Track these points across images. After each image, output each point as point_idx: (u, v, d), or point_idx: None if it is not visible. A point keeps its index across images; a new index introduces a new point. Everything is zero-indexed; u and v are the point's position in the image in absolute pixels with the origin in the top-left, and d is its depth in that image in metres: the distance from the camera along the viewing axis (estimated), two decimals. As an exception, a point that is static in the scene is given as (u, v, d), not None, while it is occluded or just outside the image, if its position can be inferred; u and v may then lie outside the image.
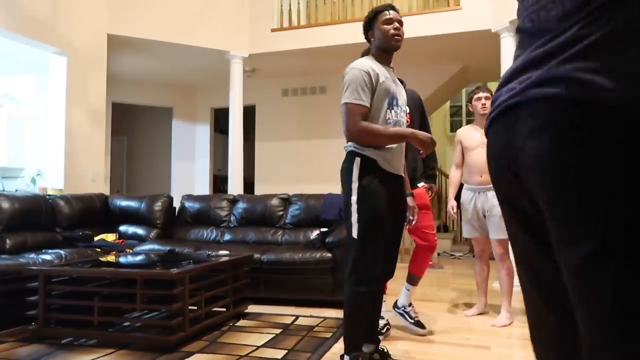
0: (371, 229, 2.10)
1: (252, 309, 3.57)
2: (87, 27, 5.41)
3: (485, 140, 0.89)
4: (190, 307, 2.79)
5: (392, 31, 2.20)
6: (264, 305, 3.74)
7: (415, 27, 5.53)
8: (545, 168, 0.68)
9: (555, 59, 0.68)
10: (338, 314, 3.42)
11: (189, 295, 2.75)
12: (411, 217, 2.42)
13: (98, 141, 5.56)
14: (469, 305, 3.73)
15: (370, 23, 2.26)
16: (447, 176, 8.11)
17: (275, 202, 4.62)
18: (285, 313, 3.50)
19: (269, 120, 7.76)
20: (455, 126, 11.27)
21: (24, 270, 3.03)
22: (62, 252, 3.61)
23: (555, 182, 0.67)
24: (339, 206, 4.08)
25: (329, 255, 3.76)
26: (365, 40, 2.33)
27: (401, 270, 3.58)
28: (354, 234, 2.10)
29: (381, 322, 2.84)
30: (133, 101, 7.92)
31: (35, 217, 3.95)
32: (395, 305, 3.12)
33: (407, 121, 2.91)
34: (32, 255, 3.46)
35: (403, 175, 2.31)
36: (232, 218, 4.69)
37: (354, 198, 2.11)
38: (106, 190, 6.43)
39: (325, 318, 3.34)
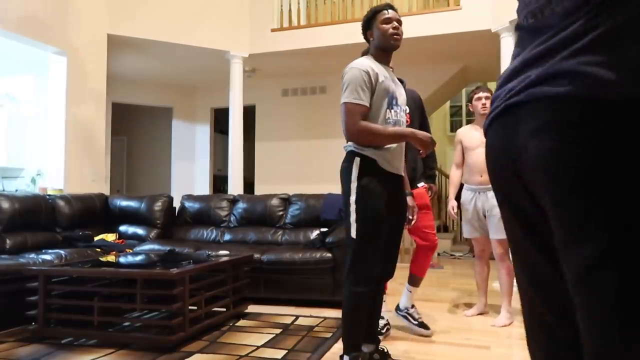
0: (370, 229, 2.10)
1: (252, 309, 3.57)
2: (87, 27, 5.41)
3: (485, 140, 0.88)
4: (190, 307, 2.79)
5: (391, 30, 2.20)
6: (264, 305, 3.74)
7: (415, 27, 5.53)
8: (547, 168, 0.67)
9: (559, 55, 0.67)
10: (338, 314, 3.42)
11: (189, 295, 2.75)
12: (411, 217, 2.42)
13: (98, 141, 5.56)
14: (469, 305, 3.73)
15: (369, 23, 2.26)
16: (447, 176, 8.11)
17: (275, 202, 4.62)
18: (285, 313, 3.50)
19: (269, 120, 7.76)
20: (455, 126, 11.27)
21: (24, 270, 3.03)
22: (62, 252, 3.61)
23: (558, 183, 0.66)
24: (339, 206, 4.08)
25: (329, 255, 3.76)
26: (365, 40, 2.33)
27: (401, 270, 3.58)
28: (353, 233, 2.10)
29: (381, 322, 2.84)
30: (133, 101, 7.92)
31: (35, 217, 3.95)
32: (397, 308, 3.10)
33: (407, 121, 2.91)
34: (32, 255, 3.46)
35: (403, 175, 2.31)
36: (232, 218, 4.69)
37: (352, 198, 2.11)
38: (106, 190, 6.43)
39: (325, 318, 3.34)
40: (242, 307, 3.43)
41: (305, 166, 7.43)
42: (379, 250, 2.14)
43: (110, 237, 4.37)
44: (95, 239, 4.24)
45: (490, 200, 3.32)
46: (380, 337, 2.61)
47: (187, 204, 4.85)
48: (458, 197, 3.55)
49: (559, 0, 0.69)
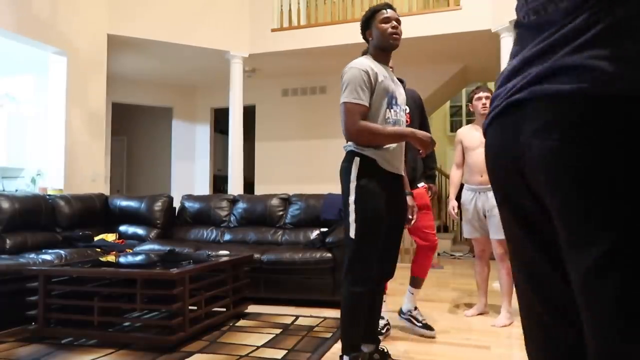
0: (369, 229, 2.09)
1: (252, 309, 3.57)
2: (87, 27, 5.41)
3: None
4: (190, 307, 2.79)
5: (390, 30, 2.19)
6: (264, 305, 3.74)
7: (415, 27, 5.53)
8: (551, 168, 0.67)
9: (562, 50, 0.67)
10: (338, 314, 3.40)
11: (189, 295, 2.75)
12: (411, 217, 2.41)
13: (98, 141, 5.56)
14: (469, 306, 3.73)
15: (367, 22, 2.26)
16: (447, 176, 8.11)
17: (275, 202, 4.62)
18: (285, 313, 3.50)
19: (269, 120, 7.76)
20: (455, 126, 11.27)
21: (24, 270, 3.03)
22: (62, 252, 3.61)
23: (562, 183, 0.65)
24: (339, 206, 4.08)
25: (329, 255, 3.76)
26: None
27: (401, 270, 3.57)
28: (352, 233, 2.10)
29: (381, 322, 2.84)
30: (133, 101, 7.92)
31: (35, 217, 3.95)
32: (400, 312, 3.08)
33: (407, 121, 2.91)
34: (32, 255, 3.46)
35: (403, 174, 2.30)
36: (232, 218, 4.69)
37: (352, 198, 2.11)
38: (106, 190, 6.43)
39: (325, 318, 3.34)
40: (242, 307, 3.43)
41: (305, 166, 7.43)
42: (377, 251, 2.14)
43: (110, 237, 4.37)
44: (95, 239, 4.24)
45: (490, 200, 3.32)
46: (380, 337, 2.61)
47: (187, 204, 4.85)
48: (458, 197, 3.55)
49: None
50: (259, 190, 7.62)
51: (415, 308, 3.03)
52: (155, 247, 4.07)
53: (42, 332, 2.82)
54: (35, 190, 5.09)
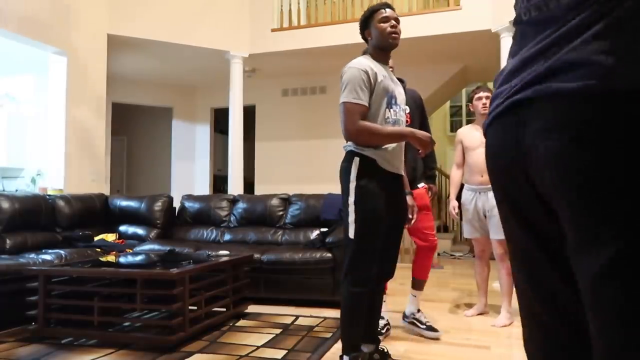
0: (368, 229, 2.09)
1: (252, 309, 3.57)
2: (87, 27, 5.41)
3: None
4: (190, 307, 2.79)
5: (389, 29, 2.19)
6: (264, 305, 3.74)
7: (415, 27, 5.53)
8: (560, 169, 0.65)
9: (566, 46, 0.65)
10: (338, 314, 3.40)
11: (189, 295, 2.75)
12: (411, 216, 2.41)
13: (98, 141, 5.56)
14: (469, 306, 3.73)
15: (366, 22, 2.25)
16: (447, 176, 8.11)
17: (275, 202, 4.62)
18: (285, 313, 3.50)
19: (269, 120, 7.76)
20: (455, 126, 11.27)
21: (24, 270, 3.03)
22: (62, 252, 3.61)
23: (572, 184, 0.64)
24: (339, 206, 4.08)
25: (329, 255, 3.76)
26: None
27: (401, 270, 3.58)
28: (351, 234, 2.10)
29: (381, 322, 2.84)
30: (133, 101, 7.92)
31: (35, 217, 3.95)
32: (404, 316, 3.06)
33: (407, 121, 2.90)
34: (32, 255, 3.46)
35: (402, 174, 2.30)
36: (232, 218, 4.69)
37: (351, 199, 2.10)
38: (106, 190, 6.43)
39: (325, 318, 3.34)
40: (242, 307, 3.43)
41: (305, 166, 7.43)
42: (377, 251, 2.14)
43: (110, 237, 4.37)
44: (95, 239, 4.24)
45: (490, 200, 3.32)
46: (380, 337, 2.61)
47: (187, 204, 4.85)
48: (459, 197, 3.55)
49: None
50: (259, 190, 7.62)
51: (419, 310, 3.02)
52: (155, 247, 4.07)
53: (42, 332, 2.82)
54: (35, 190, 5.09)
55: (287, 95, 7.70)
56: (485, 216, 3.36)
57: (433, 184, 3.18)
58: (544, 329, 0.79)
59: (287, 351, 2.61)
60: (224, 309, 3.24)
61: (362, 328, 2.19)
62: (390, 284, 3.19)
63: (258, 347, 2.69)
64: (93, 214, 4.53)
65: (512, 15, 0.84)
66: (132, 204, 4.72)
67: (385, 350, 2.39)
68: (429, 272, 3.09)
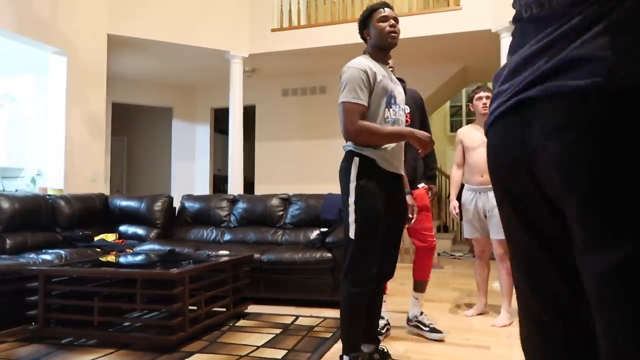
0: (368, 229, 2.09)
1: (252, 309, 3.57)
2: (87, 27, 5.41)
3: (486, 140, 0.85)
4: (190, 307, 2.79)
5: (388, 28, 2.18)
6: (264, 305, 3.74)
7: (415, 27, 5.53)
8: (571, 169, 0.64)
9: (573, 42, 0.64)
10: (338, 314, 3.40)
11: (189, 295, 2.75)
12: (411, 216, 2.40)
13: (98, 141, 5.56)
14: (469, 306, 3.73)
15: (365, 21, 2.25)
16: (447, 176, 8.11)
17: (275, 202, 4.62)
18: (285, 313, 3.50)
19: (269, 120, 7.76)
20: (455, 126, 11.27)
21: (24, 270, 3.03)
22: (62, 252, 3.61)
23: (583, 184, 0.63)
24: (339, 206, 4.08)
25: (329, 255, 3.76)
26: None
27: (401, 270, 3.58)
28: (351, 234, 2.10)
29: (381, 322, 2.84)
30: (133, 101, 7.92)
31: (35, 217, 3.95)
32: (408, 320, 3.05)
33: (407, 121, 2.90)
34: (32, 255, 3.46)
35: (402, 174, 2.30)
36: (232, 218, 4.69)
37: (352, 199, 2.10)
38: (106, 190, 6.43)
39: (325, 318, 3.34)
40: (242, 307, 3.43)
41: (305, 166, 7.43)
42: (377, 251, 2.14)
43: (110, 237, 4.37)
44: (95, 239, 4.24)
45: (491, 200, 3.32)
46: (380, 337, 2.61)
47: (187, 204, 4.85)
48: (459, 197, 3.55)
49: None
50: (259, 190, 7.62)
51: (422, 313, 3.00)
52: (155, 247, 4.07)
53: (42, 332, 2.82)
54: (35, 190, 5.09)
55: (287, 95, 7.70)
56: (485, 216, 3.36)
57: (433, 184, 3.18)
58: (543, 329, 0.79)
59: (287, 351, 2.61)
60: (224, 309, 3.24)
61: (362, 328, 2.19)
62: (390, 284, 3.19)
63: (258, 347, 2.69)
64: (93, 214, 4.53)
65: (512, 14, 0.83)
66: (132, 204, 4.72)
67: (385, 350, 2.39)
68: (429, 273, 3.07)
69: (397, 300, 3.91)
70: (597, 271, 0.63)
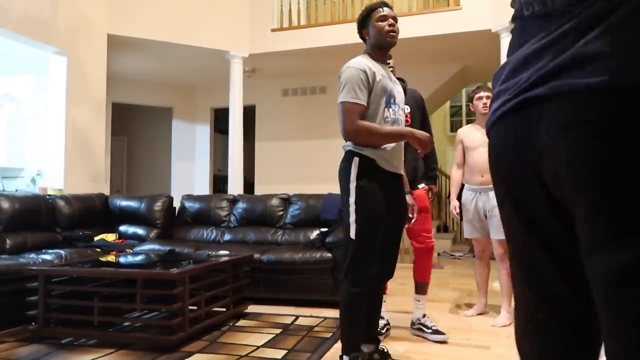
0: (369, 229, 2.09)
1: (252, 309, 3.57)
2: (87, 27, 5.41)
3: (486, 140, 0.84)
4: (190, 307, 2.79)
5: (387, 28, 2.18)
6: (264, 305, 3.74)
7: (415, 27, 5.53)
8: (582, 168, 0.63)
9: (581, 39, 0.63)
10: (338, 314, 3.41)
11: (189, 295, 2.75)
12: (411, 215, 2.40)
13: (98, 141, 5.56)
14: (469, 306, 3.73)
15: (364, 21, 2.25)
16: (447, 176, 8.11)
17: (275, 202, 4.62)
18: (285, 313, 3.50)
19: (269, 120, 7.76)
20: (455, 126, 11.27)
21: (24, 270, 3.03)
22: (62, 252, 3.61)
23: (595, 183, 0.62)
24: (339, 206, 4.08)
25: (329, 255, 3.76)
26: (365, 41, 2.32)
27: (401, 270, 3.58)
28: (352, 234, 2.09)
29: (381, 322, 2.84)
30: (133, 101, 7.92)
31: (35, 217, 3.95)
32: (411, 324, 3.03)
33: (408, 121, 2.90)
34: (32, 255, 3.46)
35: (402, 173, 2.30)
36: (232, 218, 4.69)
37: (352, 199, 2.10)
38: (106, 190, 6.43)
39: (325, 318, 3.34)
40: (242, 307, 3.43)
41: (305, 166, 7.43)
42: (377, 251, 2.14)
43: (110, 237, 4.37)
44: (95, 239, 4.24)
45: (491, 200, 3.31)
46: (380, 337, 2.61)
47: (187, 204, 4.85)
48: (459, 197, 3.55)
49: None
50: (259, 190, 7.62)
51: (424, 315, 2.99)
52: (155, 247, 4.07)
53: (42, 332, 2.82)
54: (35, 190, 5.09)
55: (287, 95, 7.70)
56: (485, 216, 3.36)
57: (434, 184, 3.17)
58: (540, 329, 0.79)
59: (287, 351, 2.61)
60: (224, 309, 3.24)
61: (362, 328, 2.19)
62: (390, 284, 3.19)
63: (258, 347, 2.69)
64: (93, 214, 4.53)
65: (512, 13, 0.82)
66: (132, 204, 4.72)
67: (385, 350, 2.39)
68: (430, 274, 3.06)
69: (397, 300, 3.91)
70: (604, 271, 0.62)
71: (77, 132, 5.26)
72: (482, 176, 3.37)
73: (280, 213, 4.57)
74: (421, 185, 3.01)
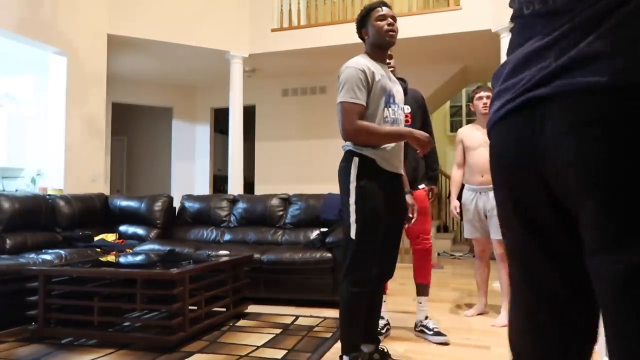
0: (369, 229, 2.09)
1: (252, 309, 3.57)
2: (87, 27, 5.41)
3: (487, 140, 0.83)
4: (190, 307, 2.79)
5: (386, 27, 2.17)
6: (264, 305, 3.74)
7: (415, 27, 5.53)
8: (589, 168, 0.62)
9: (586, 38, 0.62)
10: (338, 314, 3.41)
11: (189, 295, 2.75)
12: (411, 215, 2.40)
13: (98, 141, 5.56)
14: (470, 306, 3.73)
15: (363, 20, 2.24)
16: (447, 176, 8.11)
17: (275, 202, 4.62)
18: (285, 313, 3.50)
19: (269, 120, 7.76)
20: (455, 126, 11.26)
21: (24, 270, 3.03)
22: (62, 252, 3.61)
23: (602, 183, 0.61)
24: (339, 206, 4.08)
25: (329, 255, 3.76)
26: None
27: (401, 270, 3.58)
28: (352, 234, 2.09)
29: (381, 322, 2.84)
30: (133, 101, 7.92)
31: (35, 217, 3.95)
32: (415, 326, 3.02)
33: (408, 121, 2.90)
34: (32, 255, 3.46)
35: (402, 173, 2.30)
36: (232, 218, 4.69)
37: (352, 199, 2.10)
38: (106, 190, 6.43)
39: (325, 318, 3.34)
40: (242, 307, 3.43)
41: (305, 166, 7.43)
42: (377, 251, 2.14)
43: (110, 237, 4.37)
44: (95, 239, 4.24)
45: (491, 200, 3.31)
46: (380, 337, 2.61)
47: (187, 204, 4.85)
48: (460, 197, 3.55)
49: None
50: (259, 190, 7.62)
51: (426, 317, 2.98)
52: (155, 247, 4.07)
53: (42, 332, 2.82)
54: (35, 190, 5.09)
55: (287, 95, 7.70)
56: (486, 216, 3.36)
57: (435, 185, 3.16)
58: (541, 329, 0.79)
59: (287, 351, 2.61)
60: (224, 309, 3.24)
61: (362, 328, 2.19)
62: (390, 284, 3.19)
63: (258, 347, 2.69)
64: (93, 214, 4.53)
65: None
66: (132, 204, 4.72)
67: (385, 350, 2.39)
68: (430, 275, 3.06)
69: (397, 300, 3.91)
70: (610, 271, 0.62)
71: (77, 131, 5.26)
72: (482, 176, 3.37)
73: (280, 213, 4.57)
74: (421, 186, 3.00)
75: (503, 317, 3.23)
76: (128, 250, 4.07)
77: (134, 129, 9.32)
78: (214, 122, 8.43)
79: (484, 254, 3.49)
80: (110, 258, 3.39)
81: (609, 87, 0.59)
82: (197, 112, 8.33)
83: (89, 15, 5.43)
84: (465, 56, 6.42)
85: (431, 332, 2.88)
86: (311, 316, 3.40)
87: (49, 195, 4.37)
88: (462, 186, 3.57)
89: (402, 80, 2.70)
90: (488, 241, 3.42)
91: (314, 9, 6.57)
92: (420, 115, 3.03)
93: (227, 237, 4.54)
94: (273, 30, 6.32)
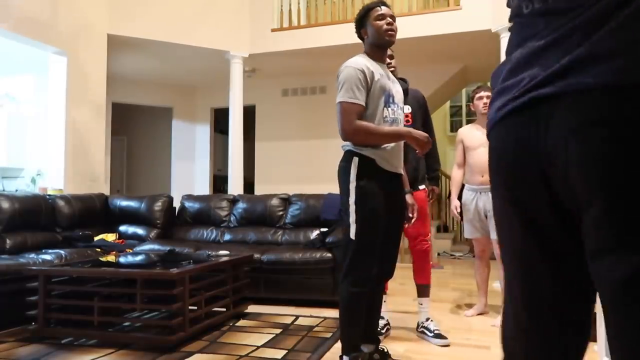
0: (369, 229, 2.09)
1: (252, 309, 3.57)
2: (87, 27, 5.41)
3: (487, 140, 0.83)
4: (190, 307, 2.79)
5: (385, 26, 2.17)
6: (264, 305, 3.74)
7: (415, 27, 5.53)
8: (596, 170, 0.61)
9: (590, 37, 0.61)
10: (338, 314, 3.41)
11: (189, 295, 2.75)
12: (411, 215, 2.40)
13: (98, 141, 5.56)
14: (470, 306, 3.73)
15: (362, 20, 2.24)
16: (447, 176, 8.11)
17: (275, 202, 4.62)
18: (285, 313, 3.50)
19: (269, 120, 7.76)
20: (455, 126, 11.26)
21: (24, 270, 3.03)
22: (62, 252, 3.61)
23: (610, 186, 0.60)
24: (339, 206, 4.08)
25: (329, 255, 3.76)
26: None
27: (401, 270, 3.58)
28: (352, 234, 2.09)
29: (381, 322, 2.83)
30: (133, 101, 7.93)
31: (35, 217, 3.95)
32: (416, 328, 3.01)
33: (409, 121, 2.90)
34: (32, 255, 3.46)
35: (402, 173, 2.30)
36: (232, 218, 4.69)
37: (352, 199, 2.10)
38: (106, 190, 6.43)
39: (325, 318, 3.34)
40: (242, 307, 3.43)
41: (305, 166, 7.43)
42: (377, 251, 2.14)
43: (110, 237, 4.37)
44: (95, 239, 4.24)
45: (491, 200, 3.31)
46: (380, 337, 2.61)
47: (187, 204, 4.85)
48: (460, 197, 3.55)
49: None
50: (259, 190, 7.62)
51: (428, 319, 2.97)
52: (155, 247, 4.07)
53: (42, 332, 2.82)
54: (35, 190, 5.09)
55: (287, 95, 7.70)
56: (486, 216, 3.36)
57: (436, 185, 3.16)
58: (541, 329, 0.79)
59: (287, 351, 2.61)
60: (224, 309, 3.24)
61: (362, 328, 2.19)
62: (390, 284, 3.19)
63: (258, 347, 2.69)
64: (93, 214, 4.52)
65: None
66: (132, 204, 4.72)
67: (385, 350, 2.39)
68: (430, 276, 3.05)
69: (397, 300, 3.91)
70: (613, 272, 0.62)
71: (77, 132, 5.26)
72: (483, 176, 3.37)
73: (280, 213, 4.57)
74: (422, 187, 2.99)
75: (503, 317, 3.22)
76: (128, 250, 4.07)
77: (134, 129, 9.32)
78: (214, 122, 8.43)
79: (484, 254, 3.49)
80: (110, 258, 3.39)
81: (612, 87, 0.59)
82: (197, 112, 8.34)
83: (89, 15, 5.43)
84: (465, 56, 6.42)
85: (432, 334, 2.87)
86: (311, 316, 3.40)
87: (49, 195, 4.37)
88: (463, 186, 3.57)
89: (403, 81, 2.70)
90: (488, 241, 3.42)
91: (314, 9, 6.57)
92: (421, 116, 3.03)
93: (227, 237, 4.54)
94: (273, 30, 6.32)
